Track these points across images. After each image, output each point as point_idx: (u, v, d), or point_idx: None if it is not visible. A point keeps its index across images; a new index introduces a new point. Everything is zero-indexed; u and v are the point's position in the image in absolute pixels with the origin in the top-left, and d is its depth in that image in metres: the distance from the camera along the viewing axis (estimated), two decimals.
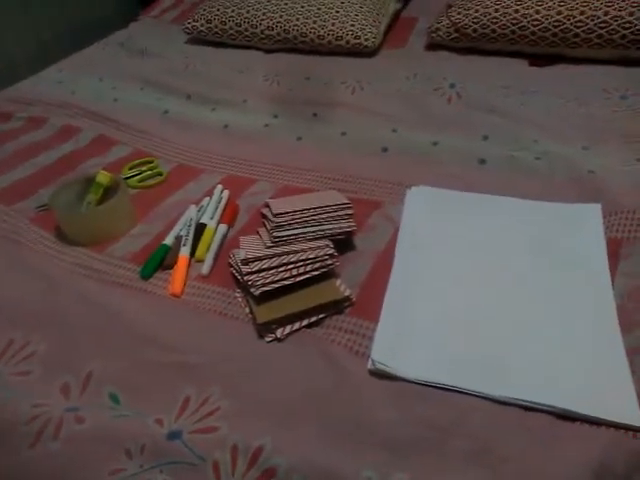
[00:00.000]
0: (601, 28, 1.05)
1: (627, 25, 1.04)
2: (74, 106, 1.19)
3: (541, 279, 0.67)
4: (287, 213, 0.72)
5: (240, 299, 0.69)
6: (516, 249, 0.72)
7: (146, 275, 0.73)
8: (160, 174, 0.95)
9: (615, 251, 0.69)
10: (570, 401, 0.53)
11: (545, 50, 1.13)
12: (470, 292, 0.67)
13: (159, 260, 0.75)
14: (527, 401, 0.53)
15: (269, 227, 0.73)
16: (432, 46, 1.25)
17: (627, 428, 0.51)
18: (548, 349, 0.59)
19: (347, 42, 1.23)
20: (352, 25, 1.23)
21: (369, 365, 0.58)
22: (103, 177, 0.84)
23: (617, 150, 0.87)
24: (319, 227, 0.73)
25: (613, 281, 0.65)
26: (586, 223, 0.75)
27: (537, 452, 0.49)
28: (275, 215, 0.72)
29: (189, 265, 0.75)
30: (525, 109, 0.98)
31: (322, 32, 1.25)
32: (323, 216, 0.73)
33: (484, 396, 0.54)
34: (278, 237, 0.70)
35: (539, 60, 1.14)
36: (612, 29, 1.04)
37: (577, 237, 0.73)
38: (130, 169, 0.96)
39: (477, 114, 0.99)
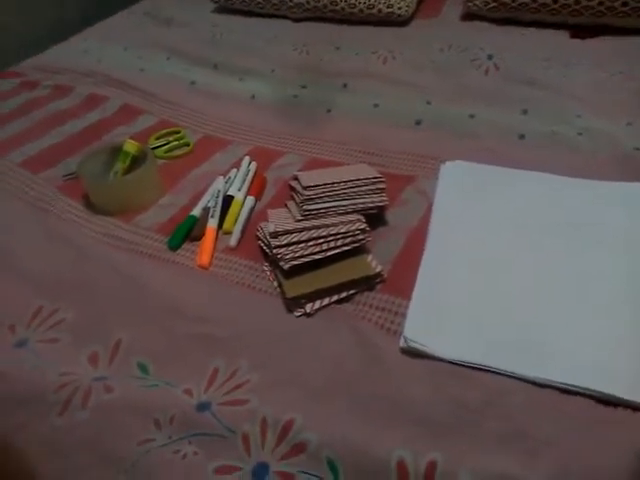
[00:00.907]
0: None
1: None
2: (100, 75, 1.18)
3: (581, 260, 0.64)
4: (317, 186, 0.70)
5: (268, 273, 0.67)
6: (555, 228, 0.69)
7: (174, 246, 0.72)
8: (187, 144, 0.93)
9: None
10: (610, 385, 0.50)
11: (589, 20, 1.07)
12: (506, 271, 0.64)
13: (186, 231, 0.74)
14: (565, 384, 0.51)
15: (298, 200, 0.71)
16: (468, 16, 1.20)
17: None
18: (587, 332, 0.56)
19: (379, 11, 1.19)
20: None
21: (401, 343, 0.57)
22: (131, 146, 0.83)
23: None
24: (350, 201, 0.71)
25: None
26: (630, 203, 0.71)
27: (575, 436, 0.48)
28: (305, 188, 0.70)
29: (217, 237, 0.73)
30: (567, 82, 0.94)
31: (353, 0, 1.20)
32: (354, 190, 0.71)
33: (520, 377, 0.52)
34: (308, 210, 0.69)
35: (581, 32, 1.08)
36: None
37: (620, 217, 0.69)
38: (157, 139, 0.95)
39: (516, 87, 0.95)
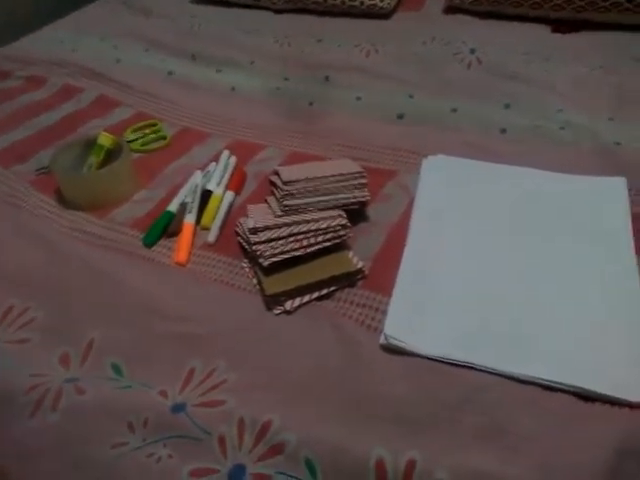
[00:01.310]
0: None
1: None
2: (75, 65, 1.14)
3: (561, 254, 0.64)
4: (298, 181, 0.69)
5: (247, 269, 0.66)
6: (536, 222, 0.69)
7: (150, 242, 0.70)
8: (164, 138, 0.91)
9: None
10: (590, 381, 0.50)
11: (570, 15, 1.07)
12: (487, 266, 0.64)
13: (163, 227, 0.72)
14: (545, 380, 0.51)
15: (278, 195, 0.70)
16: (450, 9, 1.19)
17: None
18: (567, 327, 0.56)
19: (361, 3, 1.18)
20: None
21: (382, 340, 0.56)
22: (105, 139, 0.81)
23: None
24: (331, 196, 0.69)
25: (638, 258, 0.62)
26: (610, 197, 0.72)
27: (554, 432, 0.48)
28: (285, 183, 0.69)
29: (194, 233, 0.72)
30: (548, 76, 0.94)
31: None
32: (336, 185, 0.70)
33: (499, 373, 0.52)
34: (288, 206, 0.67)
35: (562, 26, 1.08)
36: None
37: (600, 211, 0.70)
38: (133, 132, 0.93)
39: (498, 81, 0.94)
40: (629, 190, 0.71)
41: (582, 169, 0.76)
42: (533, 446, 0.46)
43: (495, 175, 0.77)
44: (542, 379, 0.51)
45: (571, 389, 0.50)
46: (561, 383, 0.51)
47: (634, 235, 0.65)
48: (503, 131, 0.85)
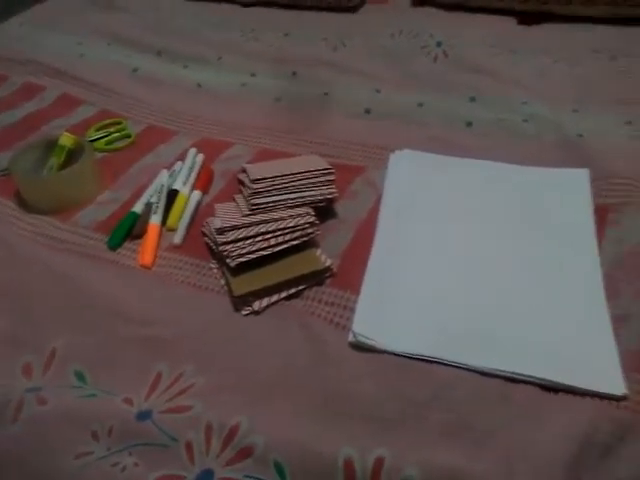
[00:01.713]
0: None
1: None
2: (36, 63, 1.10)
3: (527, 246, 0.65)
4: (266, 179, 0.68)
5: (215, 270, 0.65)
6: (502, 215, 0.70)
7: (114, 245, 0.69)
8: (129, 136, 0.89)
9: (603, 217, 0.67)
10: (554, 372, 0.51)
11: (535, 7, 1.08)
12: (454, 261, 0.64)
13: (128, 229, 0.71)
14: (510, 372, 0.51)
15: (246, 194, 0.69)
16: (417, 1, 1.19)
17: (611, 398, 0.49)
18: (532, 319, 0.57)
19: None
20: None
21: (350, 338, 0.56)
22: (66, 139, 0.79)
23: (607, 113, 0.84)
24: (299, 194, 0.69)
25: (600, 248, 0.63)
26: (573, 188, 0.73)
27: (521, 425, 0.48)
28: (253, 181, 0.68)
29: (160, 234, 0.71)
30: (514, 69, 0.95)
31: None
32: (303, 182, 0.70)
33: (467, 367, 0.52)
34: (256, 204, 0.67)
35: (528, 18, 1.09)
36: None
37: (564, 203, 0.71)
38: (97, 130, 0.90)
39: (464, 74, 0.95)
40: (592, 181, 0.72)
41: (546, 161, 0.77)
42: (499, 440, 0.47)
43: (461, 169, 0.77)
44: (507, 372, 0.52)
45: (536, 381, 0.51)
46: (526, 375, 0.51)
47: (596, 226, 0.66)
48: (469, 125, 0.85)
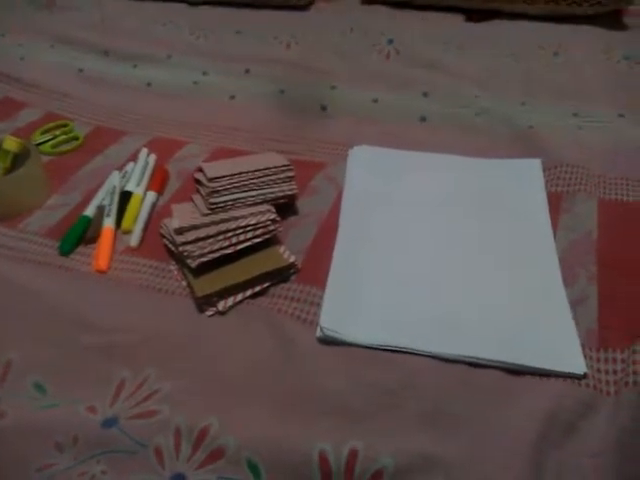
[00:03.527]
0: None
1: None
2: None
3: (485, 235, 0.67)
4: (223, 177, 0.67)
5: (175, 272, 0.64)
6: (459, 206, 0.71)
7: (66, 251, 0.66)
8: (76, 138, 0.86)
9: (556, 205, 0.70)
10: (516, 355, 0.53)
11: (481, 5, 1.11)
12: (416, 252, 0.65)
13: (80, 233, 0.68)
14: (473, 357, 0.53)
15: (204, 193, 0.67)
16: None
17: (573, 377, 0.51)
18: (494, 305, 0.59)
19: None
20: None
21: (317, 332, 0.56)
22: (10, 143, 0.75)
23: (553, 105, 0.87)
24: (259, 191, 0.68)
25: (555, 234, 0.66)
26: (527, 178, 0.75)
27: (487, 408, 0.49)
28: (210, 180, 0.67)
29: (115, 237, 0.68)
30: (464, 65, 0.97)
31: None
32: (263, 179, 0.69)
33: (433, 355, 0.53)
34: (215, 203, 0.65)
35: (474, 15, 1.12)
36: None
37: (518, 192, 0.73)
38: (42, 134, 0.87)
39: (416, 70, 0.96)
40: (544, 170, 0.75)
41: (499, 153, 0.79)
42: (468, 424, 0.48)
43: (417, 162, 0.78)
44: (471, 357, 0.53)
45: (499, 365, 0.52)
46: (489, 359, 0.52)
47: (550, 213, 0.68)
48: (423, 119, 0.87)
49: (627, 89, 0.90)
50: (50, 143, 0.85)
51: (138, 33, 1.12)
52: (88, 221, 0.70)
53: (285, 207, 0.70)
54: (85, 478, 0.46)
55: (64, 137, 0.86)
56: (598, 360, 0.53)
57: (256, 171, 0.69)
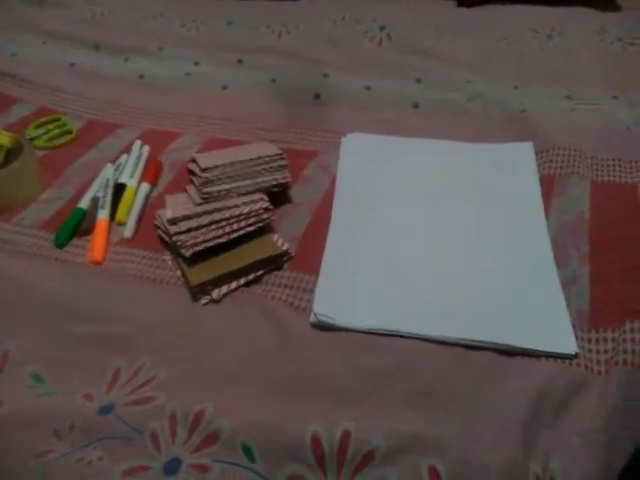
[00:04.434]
0: None
1: None
2: None
3: (478, 219, 0.67)
4: (216, 167, 0.67)
5: (169, 262, 0.64)
6: (452, 191, 0.71)
7: (61, 243, 0.66)
8: (70, 132, 0.86)
9: (549, 188, 0.70)
10: (508, 336, 0.53)
11: None
12: (409, 237, 0.65)
13: (75, 226, 0.68)
14: (466, 339, 0.53)
15: (197, 183, 0.68)
16: None
17: (564, 357, 0.51)
18: (486, 287, 0.59)
19: None
20: None
21: (311, 318, 0.56)
22: (4, 137, 0.75)
23: (546, 88, 0.88)
24: (252, 180, 0.68)
25: (547, 217, 0.66)
26: (519, 161, 0.75)
27: (480, 389, 0.49)
28: (203, 170, 0.67)
29: (109, 229, 0.69)
30: (456, 50, 0.97)
31: None
32: (255, 168, 0.69)
33: (426, 338, 0.53)
34: (208, 193, 0.66)
35: (466, 0, 1.12)
36: None
37: (511, 175, 0.73)
38: (35, 128, 0.87)
39: (409, 57, 0.96)
40: (537, 153, 0.75)
41: (493, 137, 0.79)
42: (461, 405, 0.48)
43: (410, 149, 0.79)
44: (464, 339, 0.53)
45: (492, 346, 0.52)
46: (482, 341, 0.53)
47: (543, 195, 0.68)
48: (416, 106, 0.87)
49: (621, 70, 0.90)
50: (44, 137, 0.85)
51: (129, 27, 1.12)
52: (83, 213, 0.70)
53: (278, 196, 0.71)
54: (82, 464, 0.46)
55: (57, 131, 0.86)
56: (589, 341, 0.53)
57: (249, 160, 0.69)
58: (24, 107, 0.93)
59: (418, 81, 0.91)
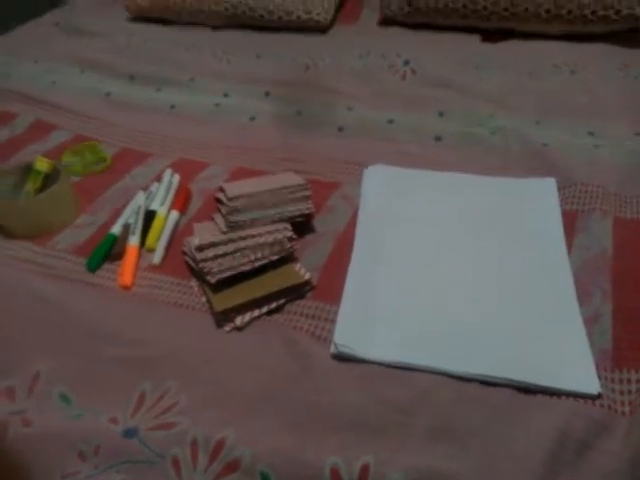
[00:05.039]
0: (549, 2, 1.06)
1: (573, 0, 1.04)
2: (8, 91, 1.10)
3: (501, 254, 0.67)
4: (243, 196, 0.69)
5: (196, 289, 0.66)
6: (474, 225, 0.72)
7: (93, 267, 0.69)
8: (104, 159, 0.89)
9: (571, 224, 0.70)
10: (529, 374, 0.53)
11: (497, 25, 1.13)
12: (430, 270, 0.66)
13: (106, 251, 0.71)
14: (487, 376, 0.53)
15: (224, 212, 0.70)
16: (384, 21, 1.23)
17: (586, 397, 0.51)
18: (508, 323, 0.59)
19: (298, 17, 1.20)
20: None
21: (332, 349, 0.57)
22: (41, 164, 0.79)
23: (569, 124, 0.88)
24: (276, 210, 0.70)
25: (570, 253, 0.66)
26: (542, 197, 0.75)
27: (499, 426, 0.49)
28: (230, 199, 0.69)
29: (139, 255, 0.71)
30: (479, 84, 0.98)
31: (271, 7, 1.20)
32: (280, 198, 0.71)
33: (446, 373, 0.54)
34: (234, 222, 0.68)
35: (491, 35, 1.14)
36: (559, 4, 1.05)
37: (534, 211, 0.73)
38: (71, 155, 0.90)
39: (432, 90, 0.98)
40: (559, 189, 0.75)
41: (515, 171, 0.80)
42: (480, 441, 0.48)
43: (432, 182, 0.79)
44: (485, 375, 0.53)
45: (512, 383, 0.52)
46: (503, 378, 0.53)
47: (565, 231, 0.69)
48: (438, 139, 0.88)
49: None
50: (79, 164, 0.88)
51: (162, 57, 1.16)
52: (114, 239, 0.72)
53: (302, 225, 0.72)
54: None
55: (92, 158, 0.90)
56: (613, 380, 0.53)
57: (274, 190, 0.71)
58: (62, 134, 0.97)
59: (441, 114, 0.93)
